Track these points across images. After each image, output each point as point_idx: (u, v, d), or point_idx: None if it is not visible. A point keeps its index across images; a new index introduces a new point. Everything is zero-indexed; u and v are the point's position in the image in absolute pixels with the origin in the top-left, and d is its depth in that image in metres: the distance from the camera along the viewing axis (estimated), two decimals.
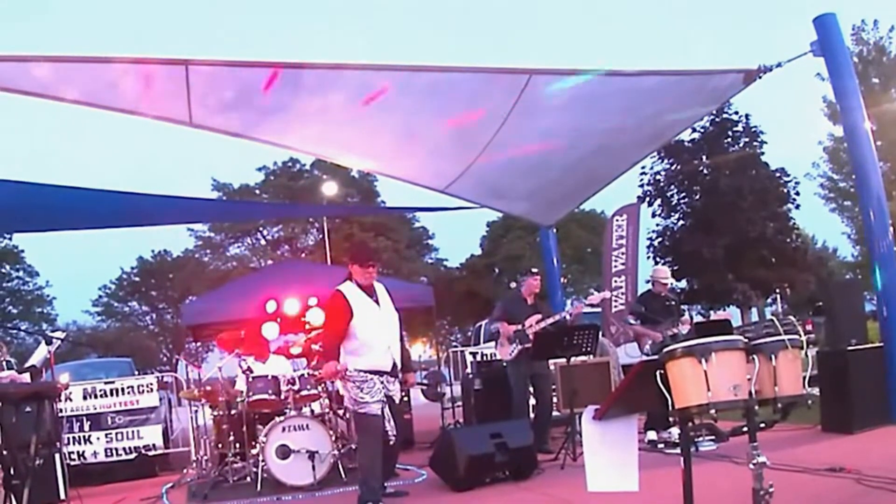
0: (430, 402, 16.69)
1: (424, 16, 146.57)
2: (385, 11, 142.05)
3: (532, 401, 12.46)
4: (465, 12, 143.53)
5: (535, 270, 12.71)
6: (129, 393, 14.04)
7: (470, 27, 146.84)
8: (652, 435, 11.64)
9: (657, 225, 45.45)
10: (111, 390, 13.97)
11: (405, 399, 13.34)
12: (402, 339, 9.42)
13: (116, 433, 13.77)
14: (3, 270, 63.60)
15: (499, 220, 61.82)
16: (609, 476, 5.41)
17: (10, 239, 61.37)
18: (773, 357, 4.68)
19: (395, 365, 8.83)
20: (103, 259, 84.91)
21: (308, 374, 11.62)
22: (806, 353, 4.91)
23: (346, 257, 9.52)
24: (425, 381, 14.15)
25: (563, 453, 10.53)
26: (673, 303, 12.66)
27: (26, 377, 9.35)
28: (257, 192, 66.16)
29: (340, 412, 12.20)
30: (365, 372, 8.54)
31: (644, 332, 12.37)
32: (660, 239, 45.15)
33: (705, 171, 43.40)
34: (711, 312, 13.79)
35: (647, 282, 13.25)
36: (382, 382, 8.61)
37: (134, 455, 13.75)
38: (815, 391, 10.17)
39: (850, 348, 10.68)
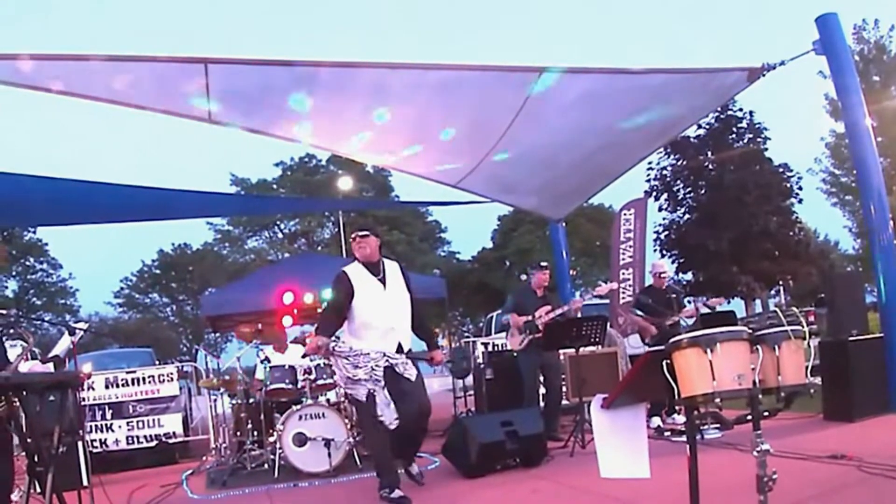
0: (442, 391, 16.68)
1: (435, 16, 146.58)
2: (396, 13, 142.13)
3: (542, 390, 12.46)
4: (470, 12, 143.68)
5: (543, 264, 12.71)
6: (149, 382, 14.06)
7: (476, 27, 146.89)
8: (657, 421, 11.68)
9: (664, 219, 45.44)
10: (132, 380, 13.99)
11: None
12: (423, 318, 9.22)
13: (137, 421, 13.80)
14: (28, 263, 63.97)
15: (510, 214, 61.77)
16: (621, 463, 5.42)
17: (35, 232, 61.77)
18: (776, 347, 4.68)
19: (400, 347, 8.61)
20: (125, 252, 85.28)
21: (324, 364, 11.63)
22: (808, 343, 4.90)
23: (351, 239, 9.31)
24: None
25: (572, 441, 10.58)
26: (674, 295, 12.72)
27: (50, 367, 9.36)
28: (275, 186, 66.44)
29: None
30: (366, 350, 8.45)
31: (644, 324, 12.44)
32: (666, 232, 45.10)
33: (710, 167, 43.35)
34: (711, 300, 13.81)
35: (651, 273, 13.32)
36: (388, 360, 8.46)
37: (154, 443, 13.79)
38: (818, 380, 10.18)
39: (851, 339, 10.69)
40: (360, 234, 8.73)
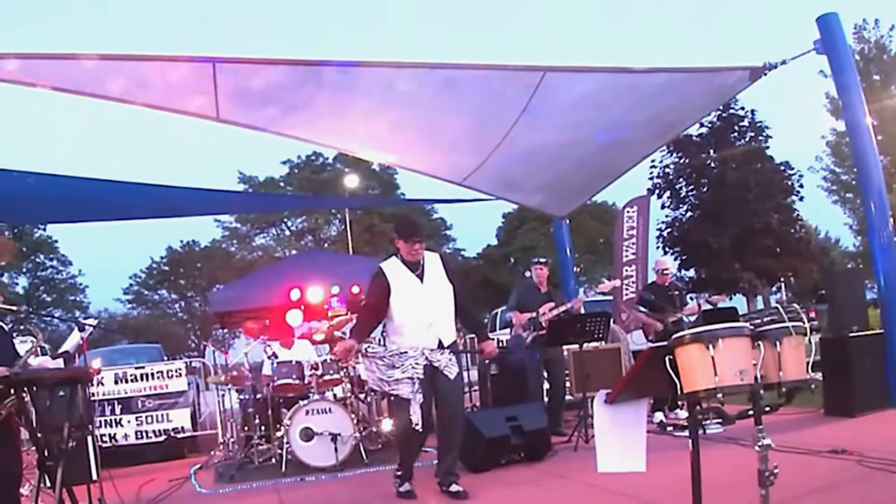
0: None
1: (442, 16, 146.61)
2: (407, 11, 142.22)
3: (546, 385, 12.46)
4: (475, 12, 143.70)
5: (539, 260, 12.70)
6: (158, 378, 14.09)
7: (482, 26, 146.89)
8: (659, 416, 11.69)
9: (666, 216, 45.53)
10: (141, 375, 14.04)
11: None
12: (469, 309, 8.91)
13: (146, 416, 13.84)
14: (38, 260, 63.94)
15: (514, 212, 61.73)
16: (618, 457, 5.42)
17: (45, 229, 61.70)
18: (777, 343, 4.68)
19: (441, 342, 8.24)
20: (134, 249, 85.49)
21: (331, 359, 11.63)
22: (809, 339, 4.90)
23: (393, 231, 8.98)
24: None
25: (575, 436, 10.57)
26: (677, 292, 12.74)
27: (60, 362, 9.38)
28: (282, 184, 66.31)
29: (362, 396, 12.25)
30: (404, 347, 8.16)
31: (648, 320, 12.45)
32: (669, 230, 45.18)
33: (713, 165, 43.48)
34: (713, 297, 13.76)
35: (654, 270, 13.33)
36: (426, 356, 8.09)
37: (163, 437, 13.87)
38: (818, 376, 10.11)
39: (851, 335, 10.70)
40: (418, 240, 8.43)
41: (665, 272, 12.99)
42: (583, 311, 12.62)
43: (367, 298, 8.64)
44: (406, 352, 8.11)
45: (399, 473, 8.31)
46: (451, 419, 8.34)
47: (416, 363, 8.07)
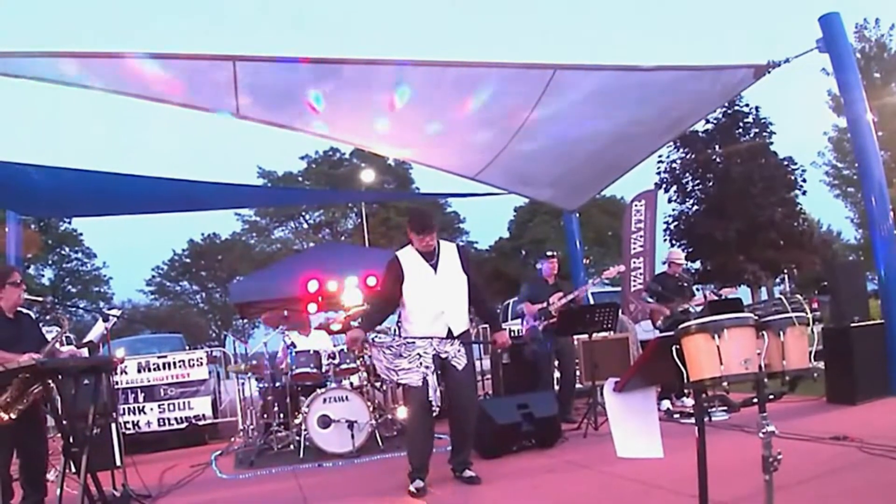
0: None
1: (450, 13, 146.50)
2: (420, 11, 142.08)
3: (556, 374, 12.45)
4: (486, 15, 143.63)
5: (550, 254, 12.65)
6: (180, 366, 14.11)
7: (489, 28, 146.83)
8: (666, 404, 11.68)
9: (673, 210, 45.38)
10: (164, 364, 14.07)
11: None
12: (483, 300, 8.74)
13: (169, 404, 13.86)
14: (63, 252, 64.03)
15: (525, 206, 61.52)
16: (635, 443, 5.42)
17: (70, 222, 61.82)
18: (781, 333, 4.66)
19: (451, 332, 8.11)
20: (156, 241, 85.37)
21: (347, 349, 11.62)
22: (812, 329, 4.88)
23: (406, 223, 8.62)
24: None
25: (585, 423, 10.60)
26: (686, 283, 12.73)
27: (84, 352, 9.40)
28: (300, 179, 66.32)
29: (378, 384, 12.26)
30: (410, 337, 8.08)
31: (658, 308, 12.43)
32: (675, 223, 45.03)
33: (718, 160, 43.31)
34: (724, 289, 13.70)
35: (664, 263, 13.29)
36: (434, 347, 8.01)
37: (185, 424, 13.89)
38: (821, 365, 10.16)
39: (853, 325, 10.68)
40: (429, 234, 8.15)
41: (676, 263, 12.96)
42: (591, 300, 12.58)
43: (381, 285, 8.62)
44: (414, 342, 8.05)
45: (409, 472, 8.14)
46: (463, 409, 8.26)
47: (425, 352, 8.01)
